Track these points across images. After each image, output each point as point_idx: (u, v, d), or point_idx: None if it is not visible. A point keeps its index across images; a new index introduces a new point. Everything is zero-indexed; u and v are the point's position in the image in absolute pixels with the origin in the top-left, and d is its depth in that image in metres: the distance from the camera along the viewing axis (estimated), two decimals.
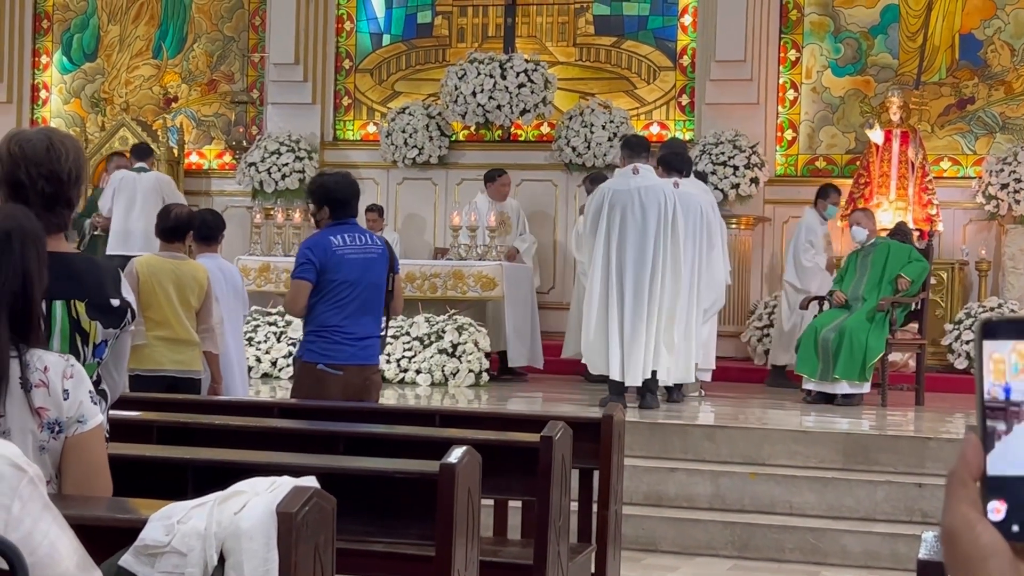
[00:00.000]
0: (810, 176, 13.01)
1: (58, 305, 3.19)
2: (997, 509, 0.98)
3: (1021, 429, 0.99)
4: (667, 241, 9.07)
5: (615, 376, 9.04)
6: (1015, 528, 0.98)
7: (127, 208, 11.85)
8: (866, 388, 9.86)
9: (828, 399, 9.88)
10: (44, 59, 15.23)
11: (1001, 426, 0.99)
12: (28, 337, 2.78)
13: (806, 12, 13.06)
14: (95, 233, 12.51)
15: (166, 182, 12.19)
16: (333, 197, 6.39)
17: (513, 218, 12.40)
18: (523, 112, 13.32)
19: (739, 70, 12.78)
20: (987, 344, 1.01)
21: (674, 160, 9.76)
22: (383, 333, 6.56)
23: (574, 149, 13.20)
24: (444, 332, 10.70)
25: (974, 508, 0.99)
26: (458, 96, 13.35)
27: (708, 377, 10.17)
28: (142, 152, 12.54)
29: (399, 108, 13.83)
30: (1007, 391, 1.00)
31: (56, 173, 3.26)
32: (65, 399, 2.76)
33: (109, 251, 11.67)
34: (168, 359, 6.77)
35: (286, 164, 13.70)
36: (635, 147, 9.34)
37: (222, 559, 2.50)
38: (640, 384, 9.07)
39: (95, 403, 2.85)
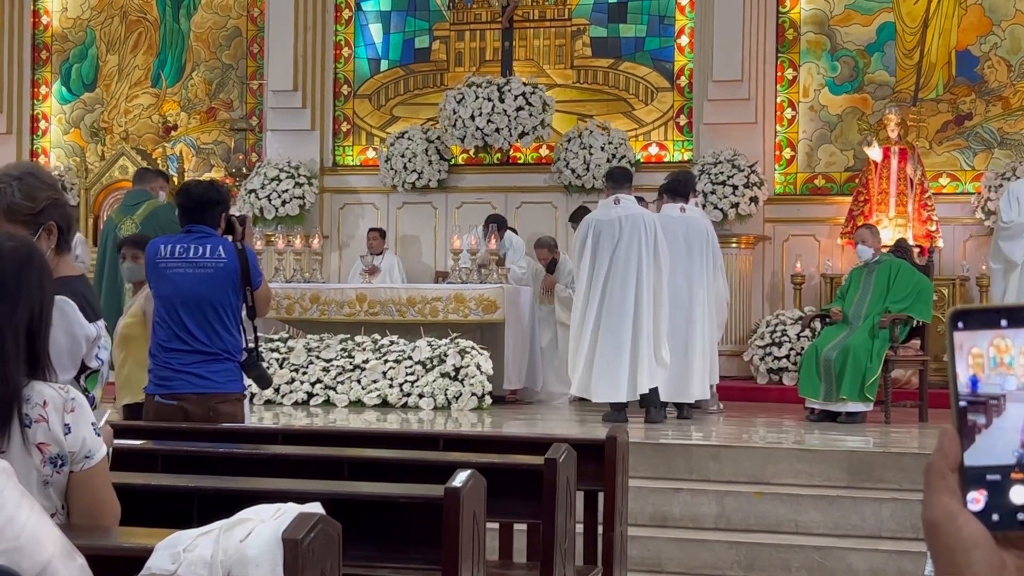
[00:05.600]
0: (809, 194, 13.04)
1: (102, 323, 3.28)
2: (976, 499, 0.99)
3: (999, 422, 1.00)
4: (649, 265, 9.50)
5: (593, 398, 9.64)
6: (995, 517, 0.98)
7: None
8: (869, 406, 9.84)
9: (831, 417, 9.87)
10: (43, 89, 15.27)
11: (981, 419, 1.00)
12: (34, 369, 2.74)
13: (802, 31, 13.10)
14: None
15: None
16: (182, 200, 5.91)
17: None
18: (522, 135, 13.36)
19: (736, 90, 12.81)
20: (958, 335, 1.01)
21: (678, 187, 10.21)
22: (246, 355, 5.90)
23: (573, 171, 13.24)
24: (446, 356, 10.69)
25: (954, 499, 0.99)
26: (457, 120, 13.39)
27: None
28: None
29: (398, 133, 13.87)
30: (974, 383, 1.00)
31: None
32: (66, 434, 2.72)
33: None
34: None
35: (286, 190, 13.73)
36: (618, 179, 9.84)
37: None
38: (627, 400, 9.51)
39: (98, 434, 2.82)
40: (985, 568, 0.97)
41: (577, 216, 12.10)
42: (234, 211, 6.31)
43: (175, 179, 14.08)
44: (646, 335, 9.44)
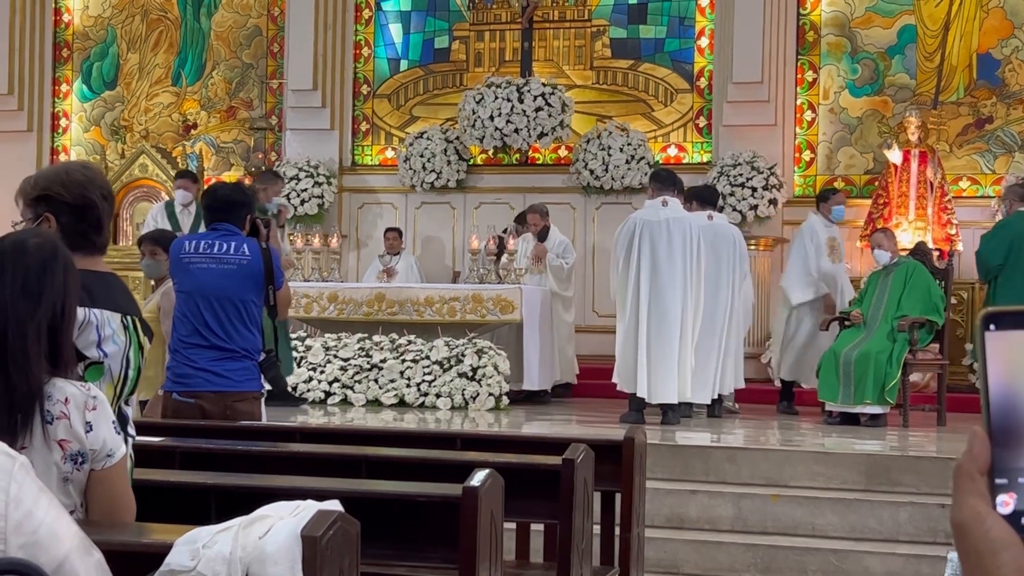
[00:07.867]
0: None
1: (129, 320, 3.23)
2: (1006, 502, 0.98)
3: None
4: (692, 269, 9.56)
5: (643, 394, 9.51)
6: None
7: None
8: (888, 409, 9.82)
9: (851, 420, 9.84)
10: (64, 88, 15.33)
11: None
12: (56, 366, 2.75)
13: (823, 33, 13.07)
14: None
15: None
16: (208, 200, 6.04)
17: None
18: (541, 135, 13.35)
19: (756, 91, 12.78)
20: (989, 336, 1.01)
21: (707, 195, 10.35)
22: (264, 355, 5.94)
23: (592, 172, 13.23)
24: (464, 356, 10.70)
25: (983, 501, 0.99)
26: (476, 120, 13.39)
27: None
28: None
29: (417, 133, 13.88)
30: None
31: None
32: (88, 432, 2.73)
33: None
34: None
35: (305, 190, 13.75)
36: (664, 180, 9.80)
37: None
38: (666, 402, 9.54)
39: (118, 432, 2.82)
40: (1013, 571, 0.96)
41: (521, 219, 12.16)
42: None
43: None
44: (688, 337, 9.54)
